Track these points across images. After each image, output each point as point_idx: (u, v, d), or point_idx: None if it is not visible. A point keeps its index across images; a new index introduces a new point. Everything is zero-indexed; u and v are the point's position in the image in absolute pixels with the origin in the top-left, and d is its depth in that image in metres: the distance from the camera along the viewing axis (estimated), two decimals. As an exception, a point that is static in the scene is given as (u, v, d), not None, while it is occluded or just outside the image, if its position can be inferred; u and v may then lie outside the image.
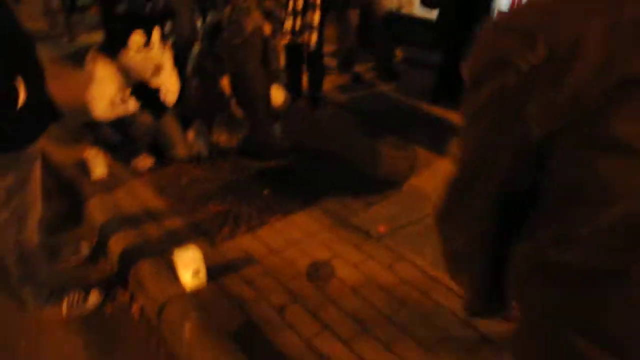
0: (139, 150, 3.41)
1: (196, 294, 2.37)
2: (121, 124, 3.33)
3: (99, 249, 2.85)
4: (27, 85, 1.94)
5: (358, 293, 2.37)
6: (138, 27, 3.08)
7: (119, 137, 3.47)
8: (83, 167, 3.34)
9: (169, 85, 3.37)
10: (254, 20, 3.14)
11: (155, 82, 3.28)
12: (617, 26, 0.60)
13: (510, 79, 0.67)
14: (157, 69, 3.20)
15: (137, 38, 3.08)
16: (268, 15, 3.29)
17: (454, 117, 4.16)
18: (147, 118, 3.30)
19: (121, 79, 3.16)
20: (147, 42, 3.11)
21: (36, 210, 2.24)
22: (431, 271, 2.46)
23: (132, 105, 3.22)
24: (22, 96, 1.92)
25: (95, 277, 2.68)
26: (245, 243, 2.73)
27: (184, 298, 2.34)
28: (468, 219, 0.84)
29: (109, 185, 3.27)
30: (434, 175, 3.37)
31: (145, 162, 3.44)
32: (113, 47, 3.11)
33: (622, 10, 0.60)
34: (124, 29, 3.08)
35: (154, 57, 3.19)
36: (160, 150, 3.48)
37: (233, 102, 3.43)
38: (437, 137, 3.85)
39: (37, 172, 2.17)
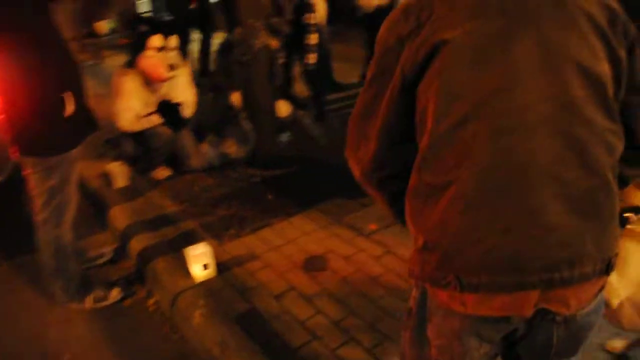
0: (157, 161, 3.77)
1: (205, 285, 2.68)
2: (141, 137, 3.68)
3: (121, 251, 3.19)
4: (74, 98, 2.31)
5: (348, 282, 2.65)
6: (158, 32, 3.45)
7: (139, 151, 3.83)
8: (106, 179, 3.71)
9: (185, 99, 3.72)
10: (261, 39, 3.49)
11: (175, 97, 3.64)
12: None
13: (392, 39, 1.05)
14: (171, 69, 3.54)
15: (155, 40, 3.46)
16: (274, 31, 3.64)
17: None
18: (166, 131, 3.65)
19: (146, 91, 3.53)
20: (165, 46, 3.49)
21: (72, 209, 2.58)
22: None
23: (156, 119, 3.58)
24: (69, 108, 2.29)
25: (117, 275, 3.00)
26: (248, 242, 3.03)
27: (194, 289, 2.65)
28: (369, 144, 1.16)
29: (129, 194, 3.62)
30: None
31: (163, 172, 3.79)
32: (134, 54, 3.48)
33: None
34: (146, 32, 3.46)
35: (169, 58, 3.54)
36: (176, 161, 3.83)
37: (242, 115, 3.76)
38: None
39: (75, 174, 2.52)
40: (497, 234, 0.94)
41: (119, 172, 3.70)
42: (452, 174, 0.98)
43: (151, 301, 2.79)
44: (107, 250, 3.16)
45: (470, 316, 1.03)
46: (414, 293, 1.18)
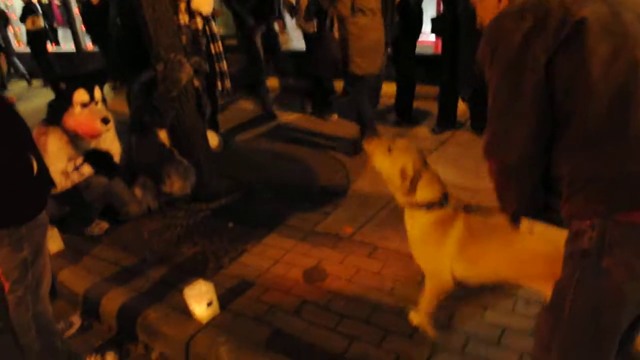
0: (93, 216, 3.45)
1: (215, 322, 2.55)
2: (66, 195, 3.33)
3: (89, 316, 2.87)
4: (34, 155, 2.06)
5: (355, 282, 2.74)
6: (79, 86, 3.18)
7: (63, 210, 3.46)
8: (37, 246, 3.29)
9: (113, 149, 3.47)
10: (187, 73, 3.41)
11: (103, 146, 3.37)
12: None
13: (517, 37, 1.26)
14: (106, 122, 3.29)
15: (81, 94, 3.19)
16: (195, 71, 3.58)
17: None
18: (102, 180, 3.37)
19: (72, 148, 3.22)
20: (92, 99, 3.22)
21: (47, 280, 2.28)
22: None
23: (87, 170, 3.28)
24: (35, 165, 2.03)
25: (100, 340, 2.71)
26: (235, 271, 2.95)
27: (207, 329, 2.51)
28: (518, 137, 1.31)
29: (71, 257, 3.26)
30: (368, 179, 3.87)
31: (101, 226, 3.48)
32: (58, 112, 3.18)
33: None
34: (67, 88, 3.17)
35: (100, 110, 3.29)
36: (112, 211, 3.54)
37: (176, 151, 3.62)
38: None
39: (46, 239, 2.24)
40: None
41: (50, 236, 3.29)
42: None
43: (154, 355, 2.58)
44: (75, 318, 2.83)
45: None
46: (589, 235, 1.30)
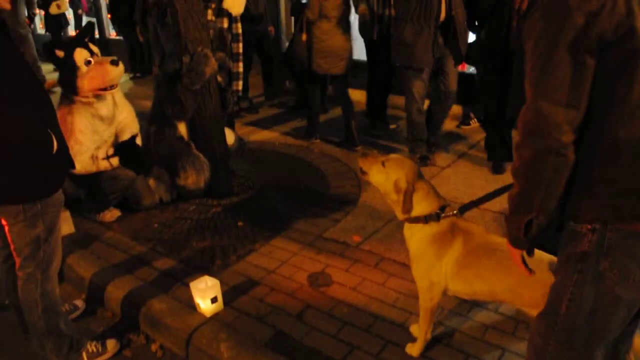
0: (107, 204, 3.49)
1: (218, 318, 2.57)
2: (84, 177, 3.36)
3: (94, 301, 2.90)
4: (54, 132, 2.10)
5: (359, 291, 2.75)
6: (75, 47, 3.20)
7: (78, 193, 3.51)
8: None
9: (128, 115, 3.52)
10: (212, 67, 3.45)
11: (120, 117, 3.43)
12: None
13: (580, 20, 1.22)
14: (115, 62, 3.32)
15: (82, 53, 3.21)
16: (220, 67, 3.62)
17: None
18: (129, 174, 3.43)
19: (98, 123, 3.28)
20: (91, 53, 3.25)
21: (58, 259, 2.31)
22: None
23: (116, 162, 3.33)
24: (55, 143, 2.07)
25: (102, 327, 2.74)
26: (241, 269, 2.97)
27: (209, 324, 2.53)
28: (564, 120, 1.26)
29: (80, 240, 3.30)
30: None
31: (113, 213, 3.52)
32: (71, 81, 3.21)
33: None
34: (65, 54, 3.18)
35: (104, 57, 3.32)
36: (127, 201, 3.58)
37: (193, 145, 3.65)
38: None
39: (60, 218, 2.27)
40: None
41: (62, 218, 3.33)
42: None
43: (154, 346, 2.60)
44: (79, 302, 2.86)
45: None
46: (589, 238, 1.34)
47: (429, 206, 2.07)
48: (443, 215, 2.05)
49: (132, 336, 2.67)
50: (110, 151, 3.32)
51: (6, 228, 2.14)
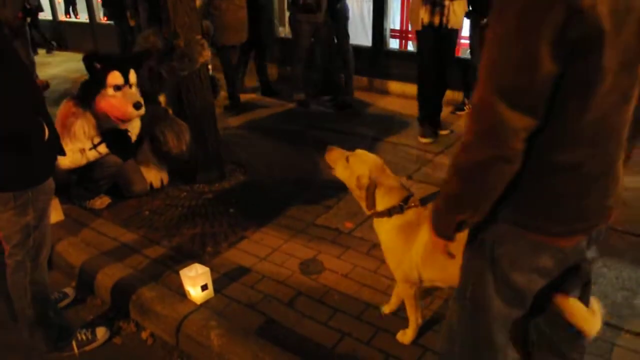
0: (97, 190, 3.45)
1: (208, 306, 2.56)
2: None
3: (83, 289, 2.88)
4: (45, 120, 2.06)
5: (350, 278, 2.73)
6: (114, 68, 3.15)
7: (68, 179, 3.46)
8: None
9: (133, 128, 3.46)
10: (205, 57, 3.40)
11: (123, 125, 3.36)
12: None
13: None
14: (138, 108, 3.24)
15: (116, 77, 3.15)
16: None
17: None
18: (115, 160, 3.37)
19: (96, 130, 3.23)
20: (126, 82, 3.18)
21: (47, 246, 2.29)
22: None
23: (103, 149, 3.27)
24: (46, 130, 2.03)
25: (92, 315, 2.72)
26: (232, 257, 2.95)
27: (198, 312, 2.52)
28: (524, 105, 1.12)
29: (70, 228, 3.27)
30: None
31: (103, 200, 3.49)
32: (91, 93, 3.17)
33: None
34: (102, 69, 3.13)
35: (133, 94, 3.24)
36: (118, 188, 3.55)
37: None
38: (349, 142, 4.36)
39: (50, 206, 2.24)
40: None
41: (52, 206, 3.29)
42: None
43: (145, 334, 2.58)
44: (69, 290, 2.84)
45: None
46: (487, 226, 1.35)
47: (392, 199, 2.09)
48: (406, 207, 2.06)
49: (122, 324, 2.66)
50: (96, 140, 3.26)
51: None
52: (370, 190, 2.08)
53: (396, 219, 2.08)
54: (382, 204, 2.09)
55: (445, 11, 4.13)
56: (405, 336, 2.28)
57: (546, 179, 1.25)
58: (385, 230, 2.13)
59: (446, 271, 1.99)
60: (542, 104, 1.12)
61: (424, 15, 4.17)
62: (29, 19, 7.32)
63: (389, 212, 2.08)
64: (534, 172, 1.23)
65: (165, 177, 3.75)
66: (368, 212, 2.16)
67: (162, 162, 3.74)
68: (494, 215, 1.31)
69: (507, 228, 1.32)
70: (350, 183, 2.17)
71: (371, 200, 2.09)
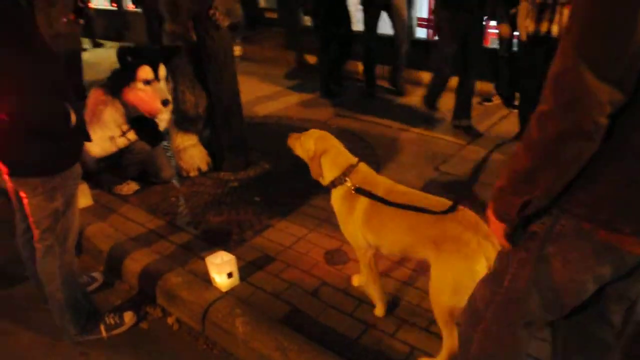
0: (125, 177, 3.50)
1: (233, 294, 2.57)
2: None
3: (112, 273, 2.93)
4: (72, 106, 2.08)
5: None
6: (145, 62, 3.16)
7: (100, 166, 3.51)
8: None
9: (165, 116, 3.49)
10: (237, 51, 3.40)
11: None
12: None
13: None
14: (166, 104, 3.26)
15: (146, 71, 3.17)
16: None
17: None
18: (144, 147, 3.40)
19: (124, 118, 3.27)
20: (156, 77, 3.20)
21: (75, 232, 2.32)
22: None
23: (132, 136, 3.31)
24: (73, 116, 2.05)
25: (120, 299, 2.76)
26: (257, 245, 2.96)
27: (224, 299, 2.54)
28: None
29: (98, 213, 3.32)
30: (398, 165, 3.83)
31: (130, 187, 3.53)
32: (120, 84, 3.19)
33: None
34: (133, 62, 3.16)
35: (162, 90, 3.25)
36: (146, 175, 3.59)
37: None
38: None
39: (77, 192, 2.27)
40: None
41: (80, 191, 3.35)
42: None
43: (171, 319, 2.62)
44: (97, 275, 2.89)
45: None
46: (542, 219, 1.26)
47: (336, 170, 2.26)
48: (347, 178, 2.23)
49: (149, 309, 2.69)
50: (125, 127, 3.29)
51: (25, 201, 2.15)
52: (315, 160, 2.28)
53: (340, 189, 2.27)
54: (327, 175, 2.28)
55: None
56: (377, 310, 2.41)
57: (624, 166, 1.11)
58: (334, 199, 2.32)
59: (383, 236, 2.17)
60: (632, 78, 1.02)
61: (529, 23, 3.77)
62: (81, 21, 5.93)
63: (333, 184, 2.27)
64: (610, 156, 1.11)
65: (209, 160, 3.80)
66: (324, 184, 2.33)
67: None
68: (555, 204, 1.20)
69: (568, 222, 1.20)
70: (305, 157, 2.37)
71: (316, 169, 2.28)
